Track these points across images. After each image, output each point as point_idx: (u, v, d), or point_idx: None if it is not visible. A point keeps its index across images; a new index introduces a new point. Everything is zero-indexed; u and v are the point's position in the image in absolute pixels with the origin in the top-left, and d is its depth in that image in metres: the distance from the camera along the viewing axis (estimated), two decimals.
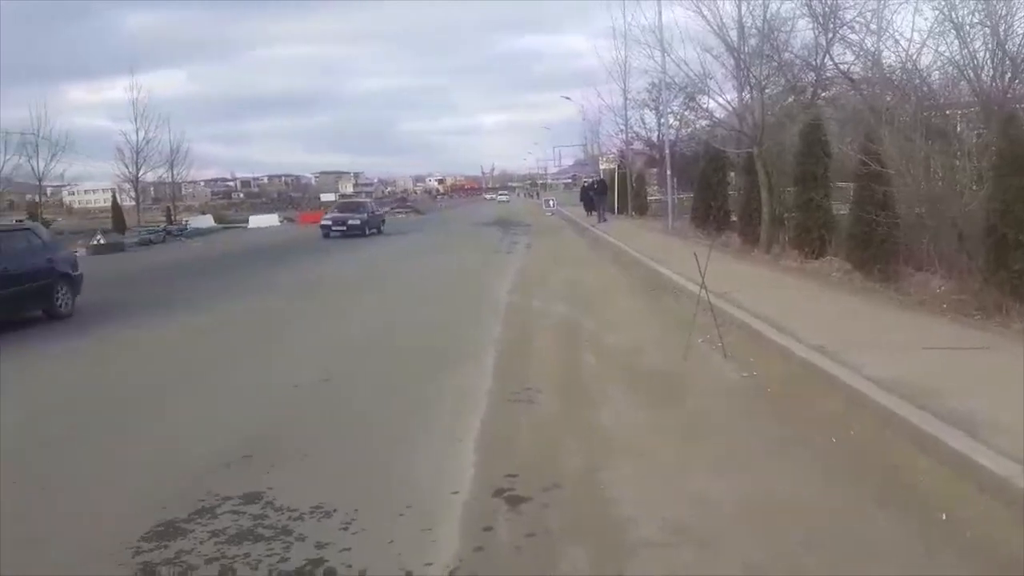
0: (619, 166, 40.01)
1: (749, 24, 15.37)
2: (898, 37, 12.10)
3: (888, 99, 12.02)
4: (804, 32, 16.50)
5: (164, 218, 54.23)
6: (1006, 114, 8.80)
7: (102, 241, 35.92)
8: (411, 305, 12.46)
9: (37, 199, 51.75)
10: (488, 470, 4.73)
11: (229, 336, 10.26)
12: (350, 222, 33.06)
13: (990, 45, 9.92)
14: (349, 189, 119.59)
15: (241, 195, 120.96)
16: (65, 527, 4.17)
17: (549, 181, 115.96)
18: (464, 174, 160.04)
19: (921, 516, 3.82)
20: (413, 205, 78.93)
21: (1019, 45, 9.86)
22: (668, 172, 25.66)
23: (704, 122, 24.47)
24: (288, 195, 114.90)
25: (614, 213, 35.69)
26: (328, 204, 46.66)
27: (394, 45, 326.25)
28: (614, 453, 4.99)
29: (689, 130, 30.94)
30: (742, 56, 15.66)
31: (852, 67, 14.93)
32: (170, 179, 56.56)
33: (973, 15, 10.03)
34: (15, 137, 42.58)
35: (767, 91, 16.58)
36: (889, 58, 12.71)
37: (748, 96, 16.34)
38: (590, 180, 44.51)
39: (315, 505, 4.24)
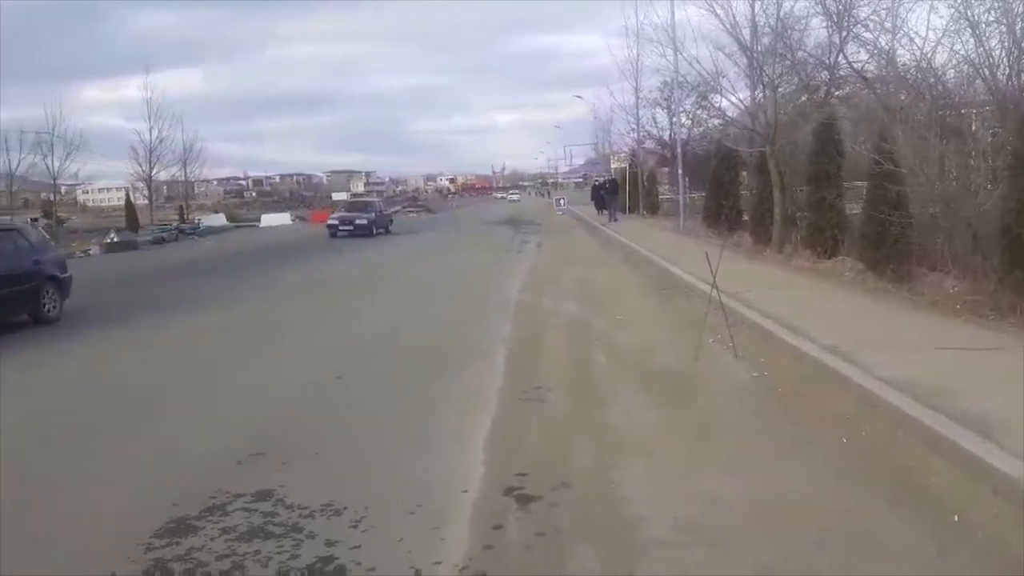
0: (630, 165, 39.93)
1: (762, 22, 15.35)
2: (913, 35, 12.03)
3: (902, 98, 11.95)
4: (818, 31, 16.48)
5: (177, 217, 54.47)
6: (1022, 113, 8.72)
7: (115, 239, 36.41)
8: (422, 304, 12.48)
9: (52, 197, 52.36)
10: (498, 469, 4.73)
11: (240, 334, 10.29)
12: (357, 221, 32.91)
13: (1006, 43, 9.82)
14: (360, 188, 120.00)
15: (253, 194, 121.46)
16: (78, 525, 4.20)
17: (560, 180, 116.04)
18: (475, 173, 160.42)
19: (933, 517, 3.79)
20: (424, 204, 79.02)
21: None
22: (680, 171, 25.58)
23: (716, 121, 24.45)
24: (300, 194, 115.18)
25: (625, 212, 35.60)
26: (339, 203, 46.70)
27: (407, 45, 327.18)
28: (625, 452, 4.98)
29: (701, 129, 30.93)
30: (755, 55, 15.60)
31: (866, 66, 14.88)
32: (183, 178, 56.86)
33: (989, 13, 9.95)
34: (31, 136, 42.97)
35: (780, 90, 16.51)
36: (903, 56, 12.64)
37: (761, 95, 16.28)
38: (602, 179, 44.44)
39: (325, 503, 4.25)
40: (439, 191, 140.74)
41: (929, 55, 11.55)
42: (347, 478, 4.68)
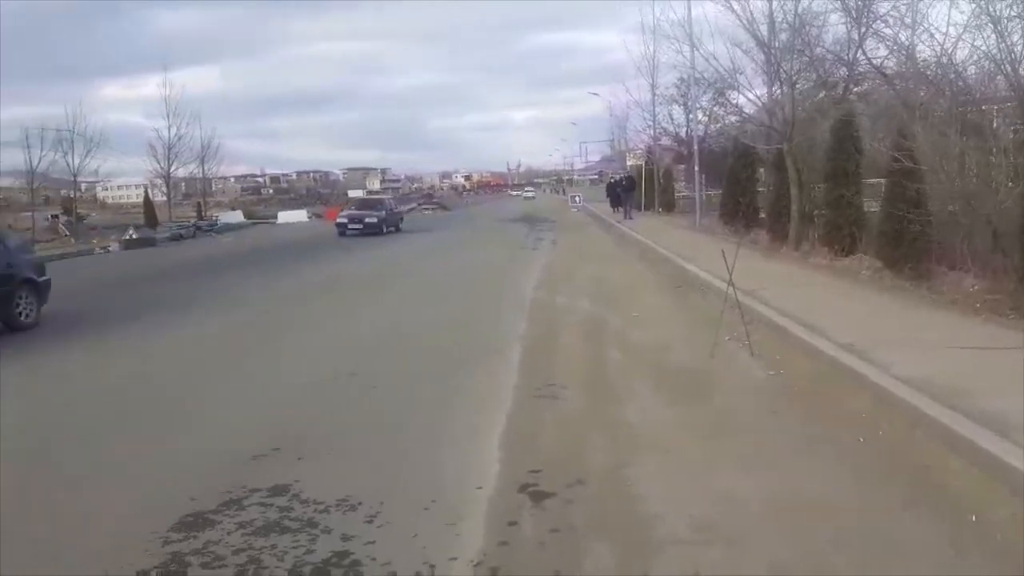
0: (646, 162, 39.80)
1: (780, 19, 15.25)
2: (933, 31, 11.87)
3: (922, 94, 11.83)
4: (836, 27, 16.36)
5: (195, 213, 55.01)
6: None
7: (134, 236, 37.00)
8: (438, 301, 12.49)
9: (72, 194, 53.07)
10: (513, 465, 4.74)
11: (254, 333, 10.38)
12: (367, 220, 32.49)
13: None
14: (376, 185, 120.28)
15: (270, 191, 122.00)
16: (97, 519, 4.24)
17: (575, 177, 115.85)
18: (490, 170, 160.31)
19: (951, 517, 3.76)
20: (439, 201, 79.13)
21: None
22: (696, 168, 25.50)
23: (733, 118, 24.29)
24: (316, 191, 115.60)
25: (640, 210, 35.48)
26: (354, 200, 46.78)
27: (423, 42, 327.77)
28: (640, 450, 4.97)
29: (718, 126, 30.79)
30: (773, 51, 15.50)
31: (885, 62, 14.71)
32: (201, 175, 57.47)
33: (1011, 8, 9.81)
34: (51, 133, 43.55)
35: (798, 86, 16.37)
36: (924, 52, 12.49)
37: (778, 91, 16.16)
38: (618, 176, 44.30)
39: (341, 498, 4.28)
40: (454, 188, 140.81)
41: (950, 51, 11.42)
42: (362, 474, 4.71)
